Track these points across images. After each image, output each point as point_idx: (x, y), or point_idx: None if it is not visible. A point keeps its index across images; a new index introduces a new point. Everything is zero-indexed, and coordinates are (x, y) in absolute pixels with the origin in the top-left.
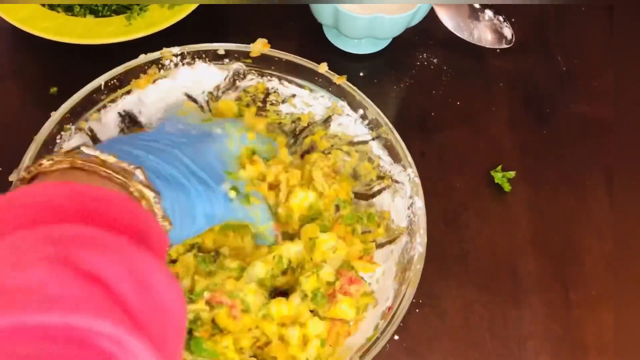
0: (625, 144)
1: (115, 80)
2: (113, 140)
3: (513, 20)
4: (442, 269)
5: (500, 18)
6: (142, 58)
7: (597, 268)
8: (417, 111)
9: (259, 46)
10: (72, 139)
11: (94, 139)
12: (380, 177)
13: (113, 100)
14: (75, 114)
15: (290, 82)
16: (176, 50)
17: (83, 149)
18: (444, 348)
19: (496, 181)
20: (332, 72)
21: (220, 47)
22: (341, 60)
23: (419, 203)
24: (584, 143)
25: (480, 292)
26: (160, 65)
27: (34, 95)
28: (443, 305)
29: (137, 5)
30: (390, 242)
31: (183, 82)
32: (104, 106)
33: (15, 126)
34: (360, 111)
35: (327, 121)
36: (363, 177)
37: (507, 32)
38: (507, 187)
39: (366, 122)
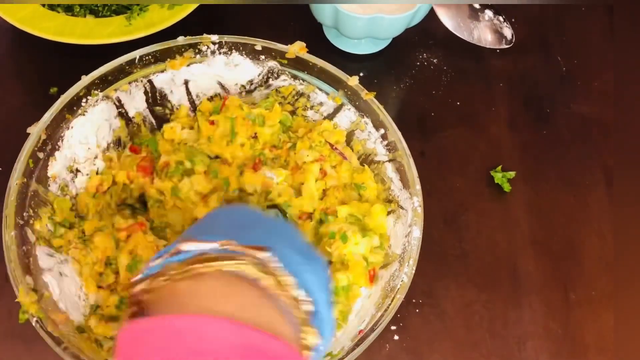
0: (625, 144)
1: (150, 57)
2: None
3: (513, 20)
4: (442, 269)
5: (500, 18)
6: (181, 40)
7: (597, 268)
8: (417, 111)
9: (296, 48)
10: (97, 105)
11: (120, 110)
12: (389, 201)
13: (146, 75)
14: (106, 82)
15: (320, 89)
16: (215, 38)
17: (259, 254)
18: (443, 348)
19: (496, 181)
20: (362, 87)
21: (258, 42)
22: (341, 61)
23: (417, 233)
24: (584, 143)
25: (480, 292)
26: (197, 50)
27: (34, 95)
28: (443, 305)
29: (137, 5)
30: (383, 267)
31: (217, 71)
32: (136, 79)
33: (15, 126)
34: (382, 131)
35: (349, 135)
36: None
37: (507, 32)
38: (507, 187)
39: (385, 142)
